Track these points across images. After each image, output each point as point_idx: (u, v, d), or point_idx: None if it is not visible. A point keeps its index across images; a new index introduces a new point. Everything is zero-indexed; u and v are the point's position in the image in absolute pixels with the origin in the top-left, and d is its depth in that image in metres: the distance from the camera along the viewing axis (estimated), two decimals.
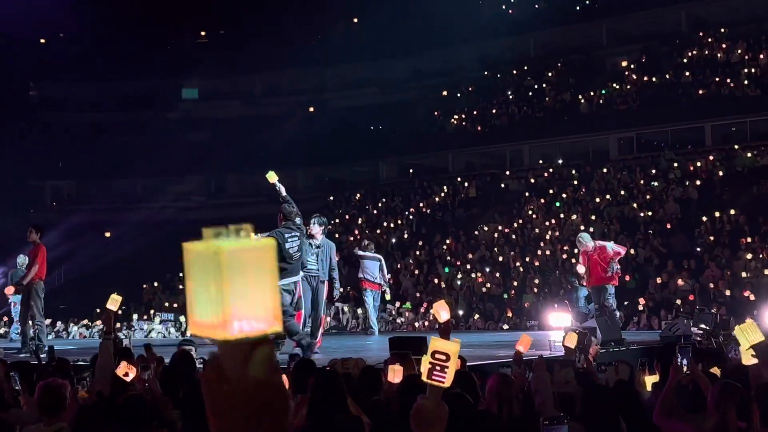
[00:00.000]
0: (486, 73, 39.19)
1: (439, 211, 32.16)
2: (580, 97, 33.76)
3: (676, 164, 28.14)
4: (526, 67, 38.11)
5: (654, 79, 32.61)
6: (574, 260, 19.89)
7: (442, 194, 33.26)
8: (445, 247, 28.31)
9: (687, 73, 31.87)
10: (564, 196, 28.84)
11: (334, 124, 39.79)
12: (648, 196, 26.81)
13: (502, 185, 32.76)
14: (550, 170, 31.92)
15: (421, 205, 32.80)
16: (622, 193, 27.70)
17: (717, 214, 24.37)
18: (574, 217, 26.50)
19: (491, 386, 5.34)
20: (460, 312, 23.08)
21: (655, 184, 27.29)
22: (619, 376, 6.37)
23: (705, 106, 30.26)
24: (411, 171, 37.96)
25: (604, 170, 29.96)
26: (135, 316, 23.12)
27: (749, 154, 27.60)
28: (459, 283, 25.43)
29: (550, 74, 36.71)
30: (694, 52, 32.98)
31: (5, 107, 36.87)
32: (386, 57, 40.50)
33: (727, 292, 20.29)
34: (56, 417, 5.43)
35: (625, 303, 20.72)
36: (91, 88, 41.98)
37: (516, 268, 25.19)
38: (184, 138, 41.03)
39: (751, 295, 19.44)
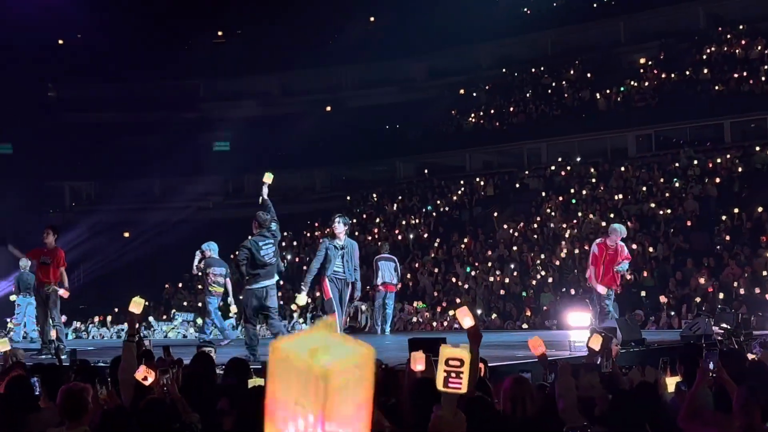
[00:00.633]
0: (503, 71, 39.10)
1: (456, 210, 32.12)
2: (598, 94, 33.62)
3: (696, 161, 27.97)
4: (543, 65, 37.99)
5: (672, 76, 32.45)
6: None
7: (460, 193, 33.22)
8: (463, 246, 28.27)
9: (705, 70, 31.68)
10: (583, 194, 28.73)
11: (351, 123, 39.81)
12: (667, 194, 26.67)
13: (520, 184, 32.66)
14: (568, 168, 31.80)
15: (439, 203, 32.77)
16: (643, 189, 27.54)
17: (736, 211, 24.22)
18: (592, 215, 26.38)
19: (505, 388, 5.39)
20: (479, 311, 23.06)
21: (676, 182, 27.11)
22: (646, 378, 6.31)
23: (724, 102, 30.06)
24: (427, 171, 37.86)
25: (623, 168, 29.83)
26: (150, 319, 23.17)
27: None
28: (477, 282, 25.39)
29: (567, 72, 36.58)
30: (713, 49, 32.78)
31: (24, 108, 37.06)
32: (403, 56, 40.47)
33: (747, 291, 20.14)
34: (78, 421, 5.45)
35: (645, 298, 20.67)
36: (110, 89, 42.14)
37: (534, 267, 25.13)
38: (202, 138, 41.20)
39: None
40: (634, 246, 21.91)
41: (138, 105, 42.02)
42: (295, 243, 33.19)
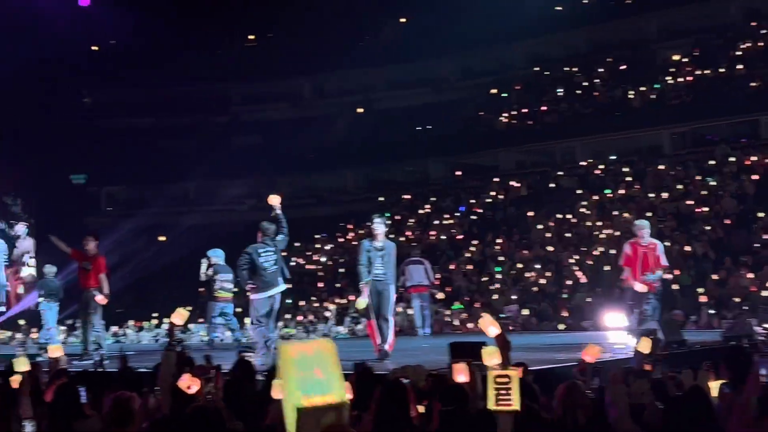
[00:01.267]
0: (535, 70, 38.92)
1: (489, 210, 32.00)
2: (631, 92, 33.35)
3: (733, 158, 27.67)
4: (575, 64, 37.74)
5: (707, 72, 32.12)
6: None
7: (493, 193, 33.10)
8: (497, 246, 28.17)
9: (740, 66, 31.32)
10: (620, 192, 28.51)
11: (382, 124, 39.80)
12: (703, 192, 26.41)
13: (554, 183, 32.47)
14: (603, 167, 31.58)
15: (473, 202, 32.68)
16: (679, 187, 27.29)
17: None
18: (627, 214, 26.16)
19: (559, 394, 5.33)
20: (514, 307, 23.08)
21: (711, 180, 26.80)
22: (698, 382, 6.18)
23: (759, 98, 29.71)
24: (460, 172, 37.70)
25: (658, 166, 29.57)
26: (190, 326, 23.23)
27: None
28: (512, 282, 25.31)
29: (600, 70, 36.32)
30: (748, 44, 32.41)
31: (59, 114, 37.37)
32: (434, 56, 40.37)
33: None
34: (124, 430, 5.49)
35: (682, 296, 20.47)
36: (143, 93, 42.42)
37: (569, 266, 24.99)
38: (234, 141, 41.35)
39: None
40: (668, 243, 21.69)
41: (171, 109, 42.25)
42: (328, 247, 33.23)
